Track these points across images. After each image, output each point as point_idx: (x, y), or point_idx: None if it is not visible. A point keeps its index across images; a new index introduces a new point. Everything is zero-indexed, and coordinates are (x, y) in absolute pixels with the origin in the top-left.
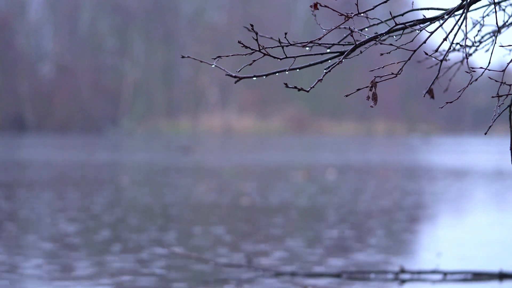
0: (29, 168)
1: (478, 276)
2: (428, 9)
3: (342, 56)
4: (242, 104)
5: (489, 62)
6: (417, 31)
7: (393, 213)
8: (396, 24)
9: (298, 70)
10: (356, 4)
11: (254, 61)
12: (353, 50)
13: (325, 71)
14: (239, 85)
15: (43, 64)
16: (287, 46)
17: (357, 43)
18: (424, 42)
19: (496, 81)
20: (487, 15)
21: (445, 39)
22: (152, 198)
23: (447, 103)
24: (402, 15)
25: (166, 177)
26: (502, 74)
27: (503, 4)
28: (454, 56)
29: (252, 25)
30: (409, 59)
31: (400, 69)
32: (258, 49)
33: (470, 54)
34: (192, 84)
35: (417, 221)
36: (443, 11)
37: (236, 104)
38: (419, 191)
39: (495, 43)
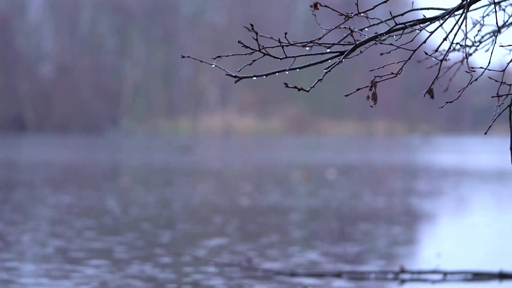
0: (29, 168)
1: (478, 276)
2: (428, 9)
3: (342, 56)
4: (242, 104)
5: (489, 62)
6: (417, 31)
7: (393, 213)
8: (396, 24)
9: (298, 70)
10: (356, 4)
11: (254, 61)
12: (353, 50)
13: (325, 71)
14: (239, 85)
15: (43, 64)
16: (287, 46)
17: (357, 43)
18: (424, 42)
19: (496, 81)
20: (487, 15)
21: (445, 39)
22: (152, 198)
23: (447, 103)
24: (402, 15)
25: (166, 177)
26: (502, 74)
27: (503, 4)
28: (454, 56)
29: (252, 25)
30: (409, 59)
31: (400, 69)
32: (258, 49)
33: (470, 54)
34: (192, 84)
35: (417, 221)
36: (443, 11)
37: (236, 104)
38: (419, 191)
39: (495, 43)
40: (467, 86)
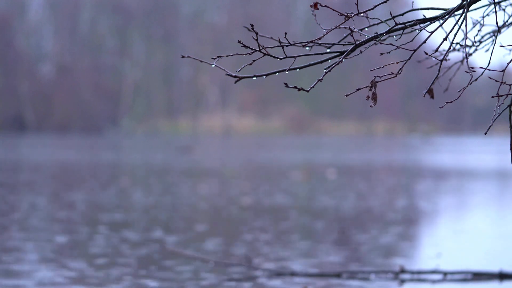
0: (29, 169)
1: (478, 276)
2: (428, 9)
3: (342, 56)
4: (242, 104)
5: (489, 62)
6: (417, 31)
7: (393, 213)
8: (396, 24)
9: (298, 70)
10: (356, 4)
11: (254, 61)
12: (353, 50)
13: (325, 71)
14: (239, 85)
15: (43, 64)
16: (287, 46)
17: (357, 43)
18: (424, 42)
19: (496, 81)
20: (487, 15)
21: (445, 39)
22: (152, 199)
23: (447, 103)
24: (402, 15)
25: (166, 178)
26: (502, 74)
27: (503, 4)
28: (454, 56)
29: (252, 25)
30: (409, 59)
31: (400, 69)
32: (258, 49)
33: (470, 54)
34: (192, 84)
35: (417, 221)
36: (443, 11)
37: (236, 104)
38: (419, 191)
39: (495, 43)
40: (467, 86)
